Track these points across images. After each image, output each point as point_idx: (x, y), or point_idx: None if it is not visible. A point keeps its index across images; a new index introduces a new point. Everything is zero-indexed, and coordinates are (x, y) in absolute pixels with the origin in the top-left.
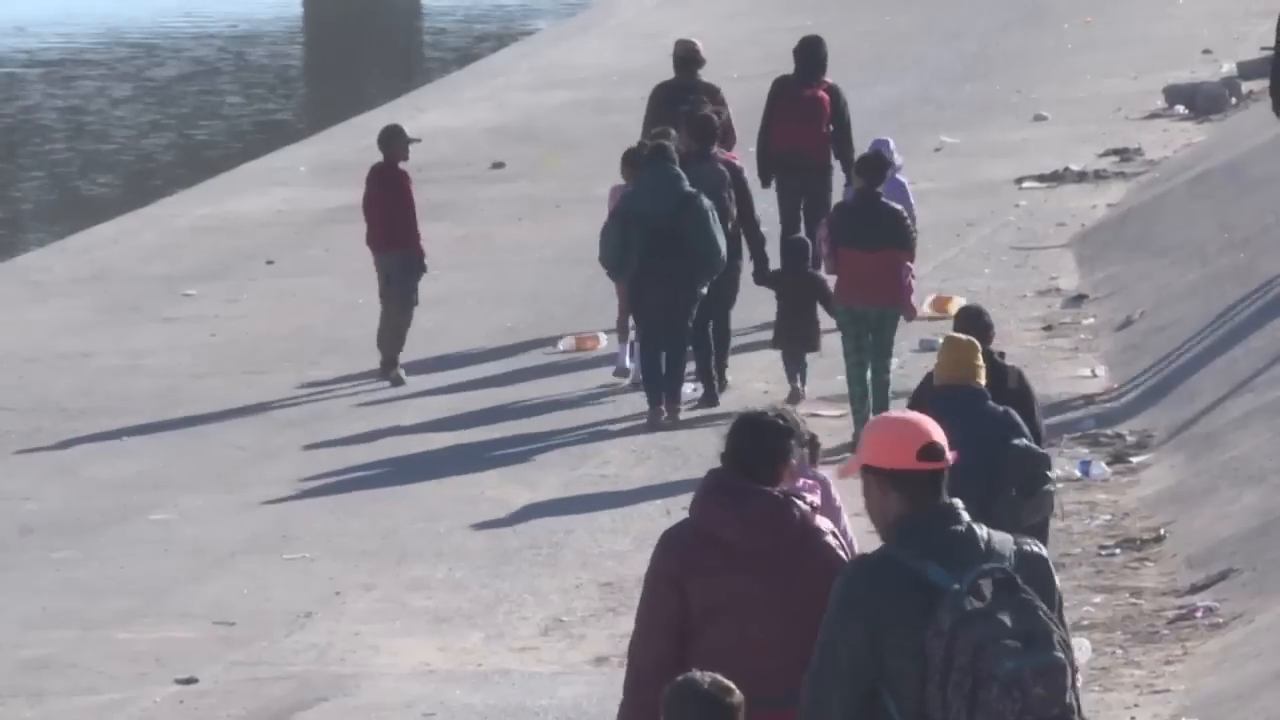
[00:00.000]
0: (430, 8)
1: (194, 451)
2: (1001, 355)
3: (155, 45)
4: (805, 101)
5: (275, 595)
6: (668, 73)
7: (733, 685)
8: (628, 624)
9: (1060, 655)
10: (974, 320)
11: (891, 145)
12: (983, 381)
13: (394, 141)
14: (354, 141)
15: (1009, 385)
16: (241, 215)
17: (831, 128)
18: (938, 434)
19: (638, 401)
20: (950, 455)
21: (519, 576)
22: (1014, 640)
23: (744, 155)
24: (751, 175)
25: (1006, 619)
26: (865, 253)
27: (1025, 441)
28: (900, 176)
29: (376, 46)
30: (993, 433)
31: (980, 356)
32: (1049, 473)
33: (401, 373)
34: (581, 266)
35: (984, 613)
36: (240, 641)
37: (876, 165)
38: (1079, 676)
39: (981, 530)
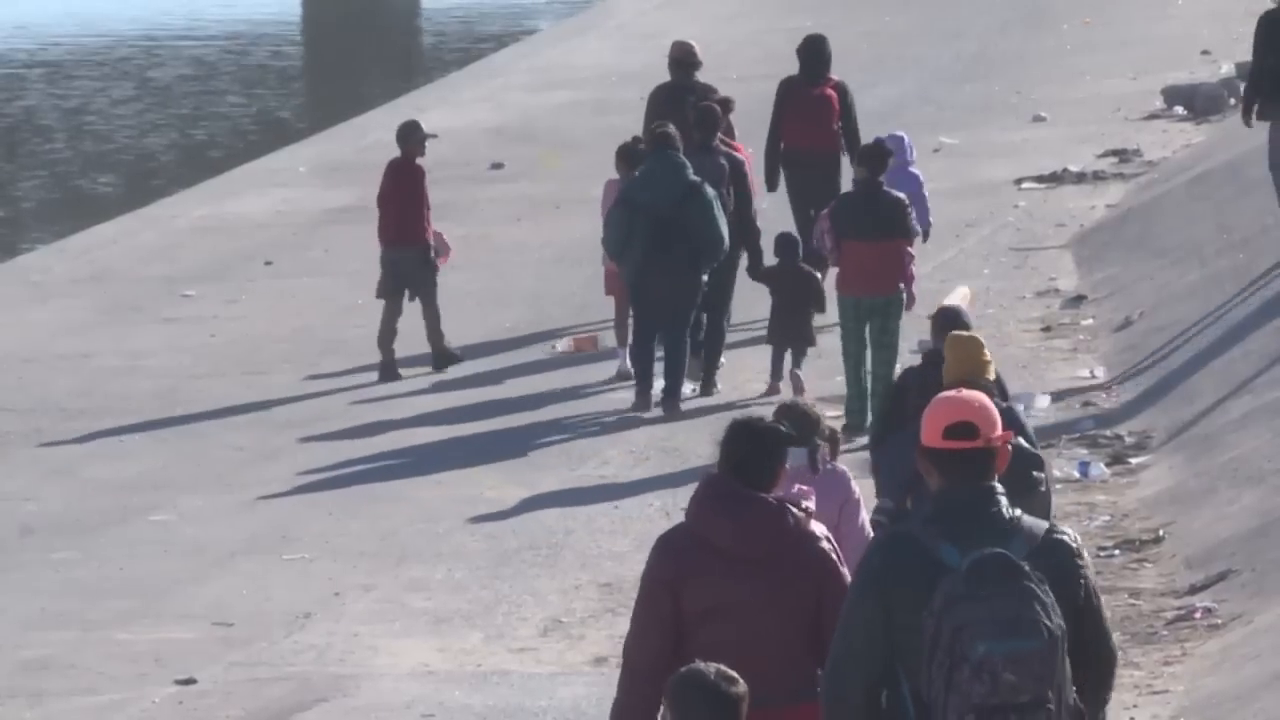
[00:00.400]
0: (430, 8)
1: (194, 452)
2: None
3: (155, 45)
4: (814, 100)
5: (274, 596)
6: (666, 74)
7: (736, 675)
8: (627, 625)
9: (1038, 644)
10: (951, 321)
11: (907, 141)
12: (991, 377)
13: (410, 136)
14: (354, 142)
15: None
16: (241, 216)
17: (839, 125)
18: (976, 413)
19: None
20: (994, 436)
21: (518, 577)
22: (995, 625)
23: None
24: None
25: (996, 604)
26: (870, 243)
27: (1020, 441)
28: (914, 170)
29: (376, 46)
30: None
31: (986, 352)
32: (1036, 473)
33: (455, 352)
34: (581, 267)
35: (974, 595)
36: (239, 642)
37: (877, 155)
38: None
39: (1013, 514)
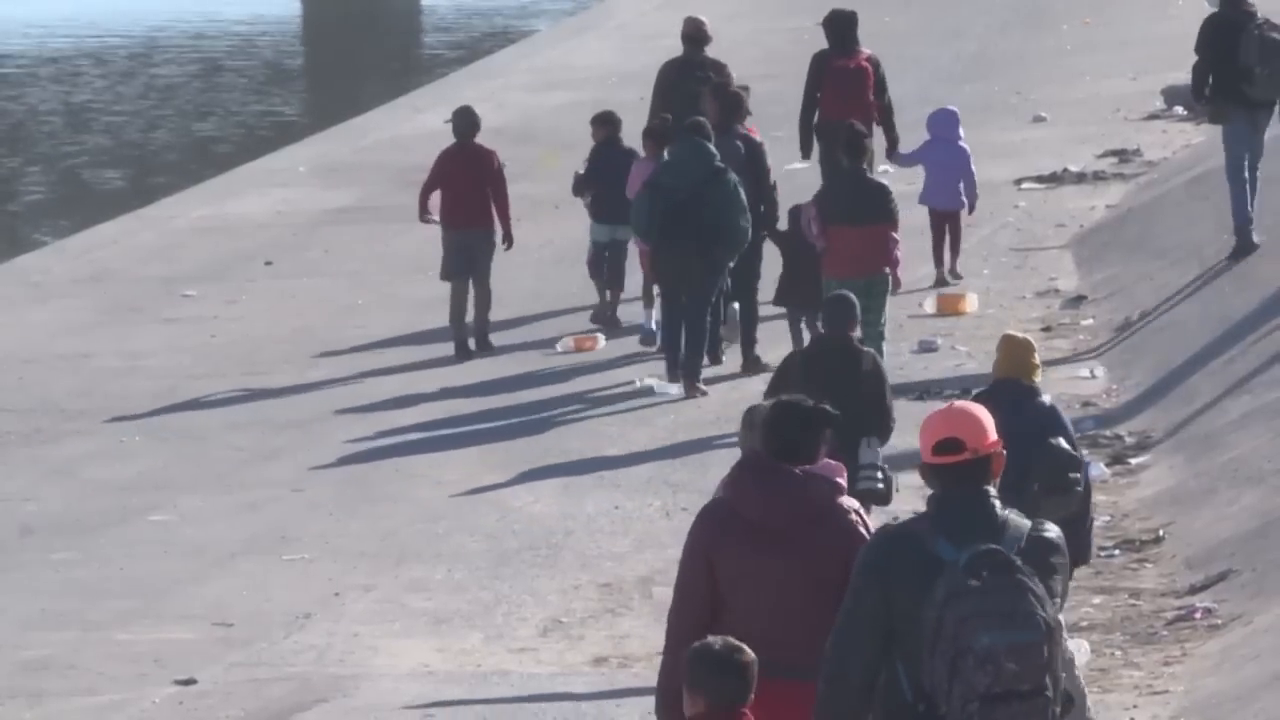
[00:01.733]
0: (430, 8)
1: (194, 452)
2: (860, 341)
3: (159, 45)
4: (851, 73)
5: (274, 596)
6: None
7: (742, 645)
8: (627, 625)
9: (1036, 636)
10: (835, 308)
11: (958, 116)
12: (1038, 379)
13: (476, 123)
14: (353, 142)
15: (864, 368)
16: (240, 216)
17: (873, 98)
18: (962, 428)
19: (638, 401)
20: (983, 445)
21: (518, 578)
22: (996, 617)
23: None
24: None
25: (994, 597)
26: (856, 228)
27: (1060, 441)
28: (963, 144)
29: (376, 46)
30: (1033, 428)
31: (1036, 355)
32: (1073, 474)
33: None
34: (581, 267)
35: (974, 589)
36: (239, 642)
37: (859, 143)
38: (1070, 655)
39: (1003, 514)
